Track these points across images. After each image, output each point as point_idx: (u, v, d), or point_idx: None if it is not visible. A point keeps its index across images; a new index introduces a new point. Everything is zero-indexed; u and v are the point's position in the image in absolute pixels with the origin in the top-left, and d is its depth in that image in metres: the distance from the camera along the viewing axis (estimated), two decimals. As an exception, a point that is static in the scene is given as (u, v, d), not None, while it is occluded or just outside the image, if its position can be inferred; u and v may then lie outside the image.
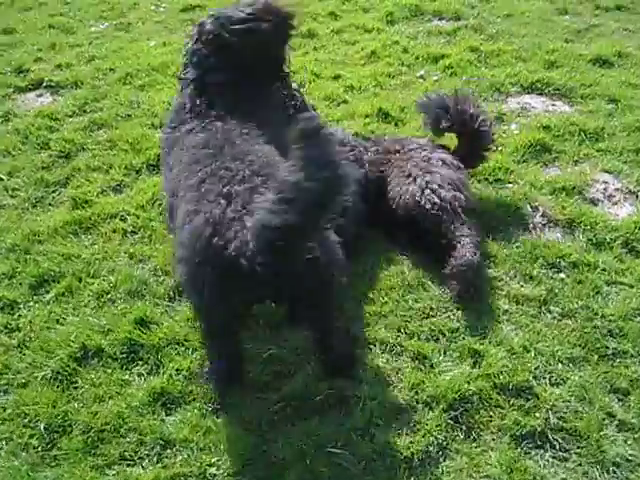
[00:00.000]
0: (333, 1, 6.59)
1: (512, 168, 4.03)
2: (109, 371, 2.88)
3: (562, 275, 3.32)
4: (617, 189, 3.94)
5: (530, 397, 2.72)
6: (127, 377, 2.86)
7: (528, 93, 4.94)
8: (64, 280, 3.33)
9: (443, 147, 3.81)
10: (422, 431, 2.57)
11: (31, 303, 3.24)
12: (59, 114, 4.80)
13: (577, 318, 3.07)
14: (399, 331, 3.01)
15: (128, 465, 2.52)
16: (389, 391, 2.74)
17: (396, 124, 4.57)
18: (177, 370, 2.84)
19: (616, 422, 2.62)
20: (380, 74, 5.19)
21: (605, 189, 3.94)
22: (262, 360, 2.86)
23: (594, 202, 3.84)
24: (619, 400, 2.72)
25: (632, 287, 3.23)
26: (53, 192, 4.03)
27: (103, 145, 4.43)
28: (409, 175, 3.51)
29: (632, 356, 2.90)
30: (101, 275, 3.36)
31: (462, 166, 3.67)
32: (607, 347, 2.93)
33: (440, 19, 6.19)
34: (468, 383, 2.73)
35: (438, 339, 2.98)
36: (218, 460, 2.51)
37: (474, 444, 2.55)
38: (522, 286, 3.25)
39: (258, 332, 2.96)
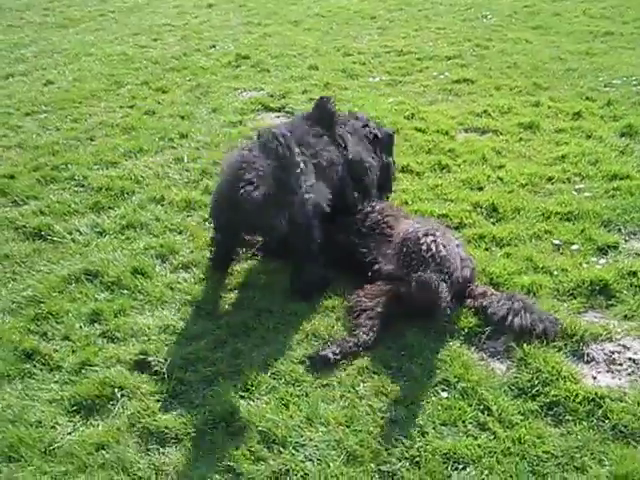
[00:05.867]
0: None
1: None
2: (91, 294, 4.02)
3: (444, 395, 3.14)
4: (634, 360, 3.30)
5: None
6: (89, 297, 3.97)
7: None
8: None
9: None
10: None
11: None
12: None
13: (399, 428, 2.97)
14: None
15: (40, 337, 3.65)
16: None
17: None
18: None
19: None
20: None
21: (616, 353, 3.34)
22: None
23: (582, 358, 3.33)
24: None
25: (497, 438, 2.89)
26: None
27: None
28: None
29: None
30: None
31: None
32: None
33: None
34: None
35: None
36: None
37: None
38: (391, 381, 3.22)
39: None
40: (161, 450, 2.95)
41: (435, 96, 6.78)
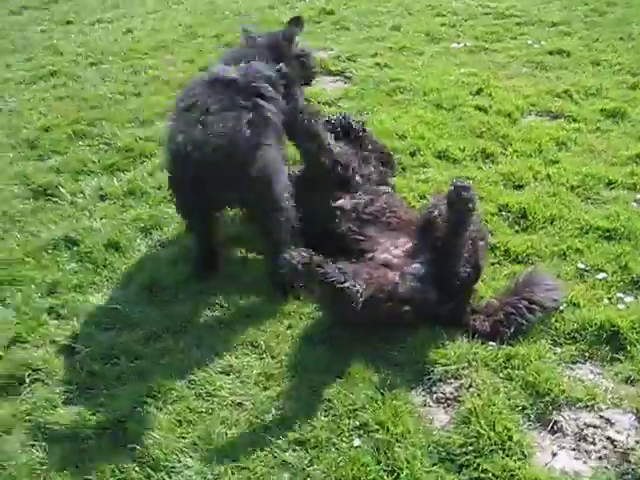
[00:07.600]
0: None
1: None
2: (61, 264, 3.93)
3: (357, 442, 2.64)
4: (613, 440, 2.59)
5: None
6: (59, 266, 3.85)
7: None
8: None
9: None
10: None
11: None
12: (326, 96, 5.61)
13: (287, 473, 2.54)
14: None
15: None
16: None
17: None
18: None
19: None
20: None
21: (592, 427, 2.63)
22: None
23: (547, 426, 2.66)
24: None
25: None
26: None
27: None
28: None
29: None
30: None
31: None
32: None
33: None
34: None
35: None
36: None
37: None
38: (306, 416, 2.77)
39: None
40: (46, 448, 2.77)
41: (518, 69, 5.88)
